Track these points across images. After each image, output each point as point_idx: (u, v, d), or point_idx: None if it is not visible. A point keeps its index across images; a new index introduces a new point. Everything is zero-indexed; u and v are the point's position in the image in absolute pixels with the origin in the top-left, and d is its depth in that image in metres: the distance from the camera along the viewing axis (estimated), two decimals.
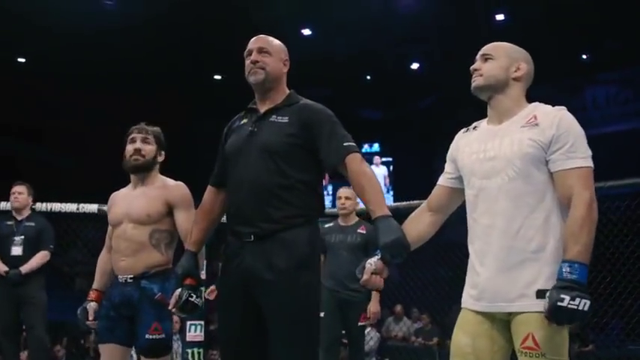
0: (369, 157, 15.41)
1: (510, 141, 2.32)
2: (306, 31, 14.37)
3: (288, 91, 2.92)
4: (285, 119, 2.79)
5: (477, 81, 2.44)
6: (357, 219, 5.45)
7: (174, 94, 15.95)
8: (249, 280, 2.69)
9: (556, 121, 2.27)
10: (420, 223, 2.56)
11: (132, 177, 3.59)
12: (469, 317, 2.37)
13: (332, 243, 5.30)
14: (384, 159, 16.76)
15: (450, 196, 2.55)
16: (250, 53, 2.88)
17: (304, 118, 2.77)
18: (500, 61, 2.45)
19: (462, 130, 2.57)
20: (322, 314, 5.12)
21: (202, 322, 5.96)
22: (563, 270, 2.11)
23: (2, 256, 5.68)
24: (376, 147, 17.03)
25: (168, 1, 12.98)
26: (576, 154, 2.24)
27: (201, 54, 14.64)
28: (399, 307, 10.35)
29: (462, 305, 2.41)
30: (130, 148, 3.51)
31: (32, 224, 5.77)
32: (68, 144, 15.66)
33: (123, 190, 3.63)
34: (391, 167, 16.81)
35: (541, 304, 2.14)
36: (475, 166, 2.39)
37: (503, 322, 2.31)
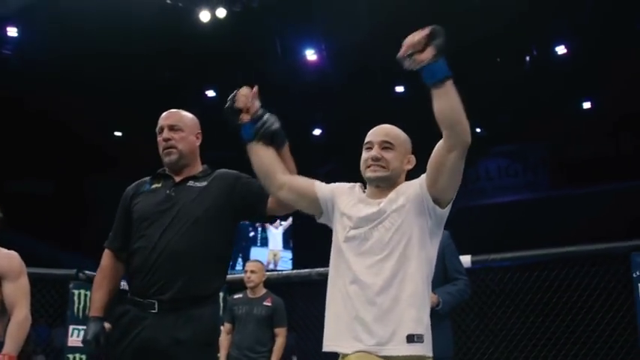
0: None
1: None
2: (210, 93, 14.39)
3: (203, 166, 2.92)
4: (204, 183, 2.80)
5: (379, 172, 2.46)
6: (264, 291, 5.69)
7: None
8: (149, 352, 2.61)
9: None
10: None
11: None
12: None
13: (239, 314, 5.62)
14: (282, 222, 16.80)
15: (309, 196, 2.62)
16: (162, 130, 2.84)
17: (223, 179, 2.82)
18: (399, 152, 2.50)
19: (351, 185, 2.62)
20: None
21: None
22: None
23: None
24: None
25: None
26: None
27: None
28: None
29: None
30: None
31: None
32: None
33: None
34: (291, 229, 16.85)
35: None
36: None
37: None
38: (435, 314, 3.55)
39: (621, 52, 11.94)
